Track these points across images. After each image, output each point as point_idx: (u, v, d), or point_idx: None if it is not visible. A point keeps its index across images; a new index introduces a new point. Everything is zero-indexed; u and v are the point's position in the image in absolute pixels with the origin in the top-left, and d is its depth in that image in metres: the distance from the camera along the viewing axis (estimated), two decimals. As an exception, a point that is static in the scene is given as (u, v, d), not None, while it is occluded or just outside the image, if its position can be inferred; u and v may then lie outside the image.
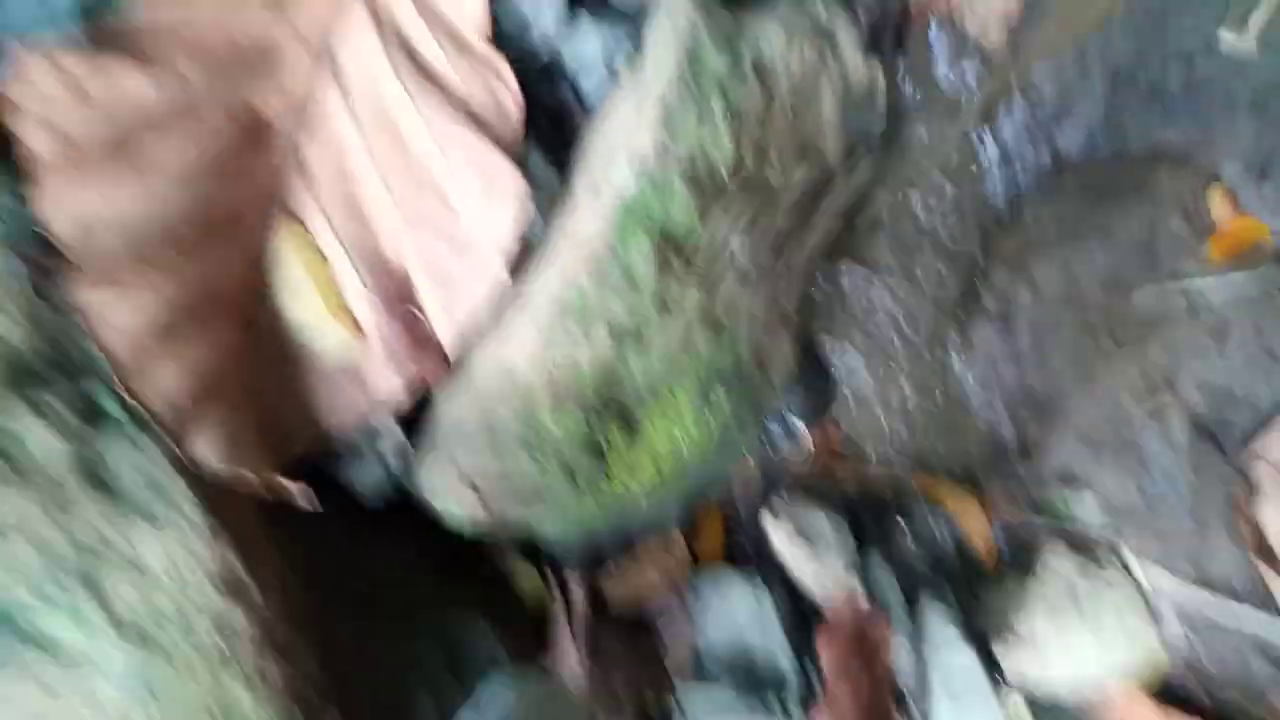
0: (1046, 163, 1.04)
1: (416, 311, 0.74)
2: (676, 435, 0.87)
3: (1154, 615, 0.94)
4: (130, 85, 0.62)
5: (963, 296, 1.07)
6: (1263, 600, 0.90)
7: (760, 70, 0.84)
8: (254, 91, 0.70)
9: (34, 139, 0.60)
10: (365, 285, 0.72)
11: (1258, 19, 0.88)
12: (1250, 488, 0.94)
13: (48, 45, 0.60)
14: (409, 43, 0.75)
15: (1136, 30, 0.96)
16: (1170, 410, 0.98)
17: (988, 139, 1.03)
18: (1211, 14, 0.92)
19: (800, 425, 1.05)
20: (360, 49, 0.74)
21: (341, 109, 0.74)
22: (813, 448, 1.05)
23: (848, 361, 1.08)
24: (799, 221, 0.92)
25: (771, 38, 0.86)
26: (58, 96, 0.60)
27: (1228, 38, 0.90)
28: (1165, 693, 0.93)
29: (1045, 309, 1.04)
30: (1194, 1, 0.93)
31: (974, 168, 1.04)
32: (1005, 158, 1.04)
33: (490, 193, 0.74)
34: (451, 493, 0.76)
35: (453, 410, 0.76)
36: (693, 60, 0.79)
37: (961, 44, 0.99)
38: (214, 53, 0.69)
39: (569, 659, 0.88)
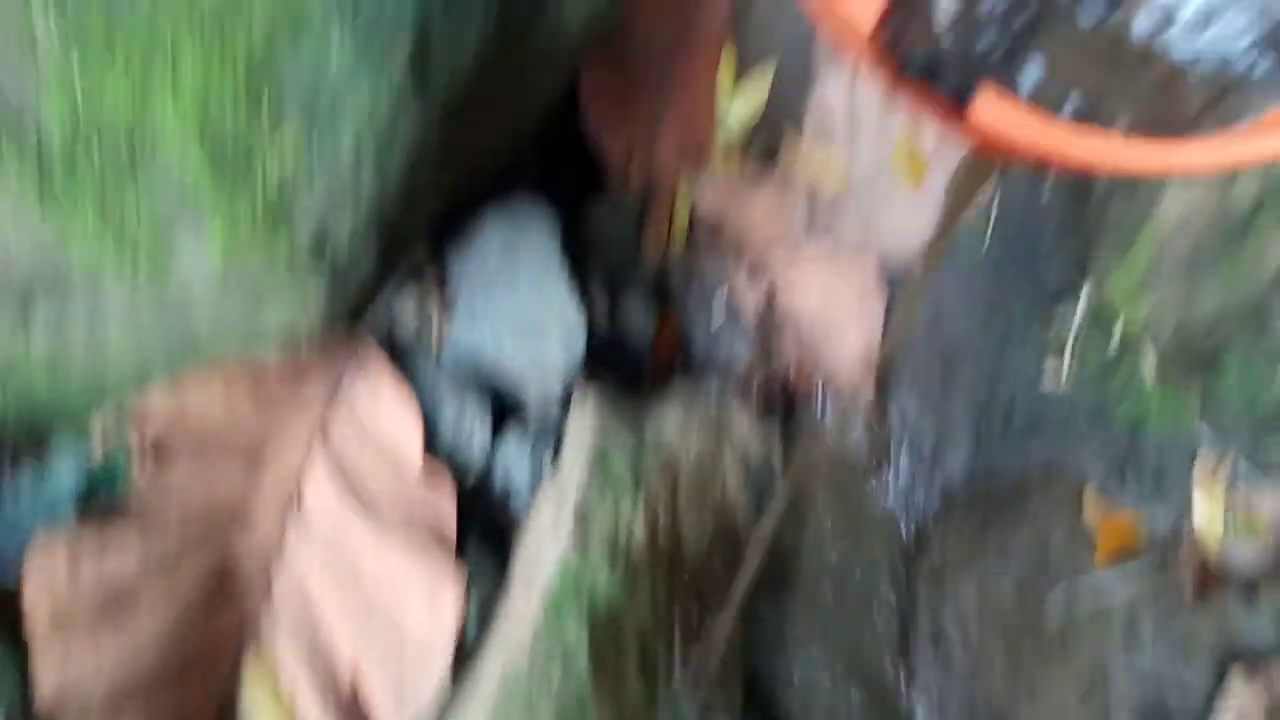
0: (938, 494, 1.17)
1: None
2: (636, 807, 0.89)
3: None
4: (119, 555, 0.74)
5: (895, 629, 1.15)
6: None
7: (663, 457, 0.99)
8: (229, 544, 0.83)
9: (32, 612, 0.71)
10: (321, 706, 0.80)
11: (1066, 356, 1.06)
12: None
13: (52, 529, 0.73)
14: (358, 473, 0.89)
15: (988, 366, 1.14)
16: (1112, 709, 1.02)
17: (881, 481, 1.17)
18: (1043, 346, 1.11)
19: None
20: (319, 486, 0.88)
21: (303, 544, 0.86)
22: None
23: (795, 704, 1.12)
24: (720, 581, 1.02)
25: (670, 426, 1.02)
26: (55, 574, 0.72)
27: (1050, 372, 1.08)
28: None
29: (972, 628, 1.12)
30: (1027, 336, 1.12)
31: (874, 511, 1.17)
32: (900, 496, 1.17)
33: (433, 598, 0.85)
34: None
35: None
36: (603, 458, 0.94)
37: (840, 401, 1.17)
38: (194, 515, 0.82)
39: None
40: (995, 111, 0.34)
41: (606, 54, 1.13)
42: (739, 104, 1.18)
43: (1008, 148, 0.34)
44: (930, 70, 0.33)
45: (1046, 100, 0.36)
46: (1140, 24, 0.38)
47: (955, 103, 0.33)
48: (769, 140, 1.19)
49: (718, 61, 1.19)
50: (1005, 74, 0.36)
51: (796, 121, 1.17)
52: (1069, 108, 0.37)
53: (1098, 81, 0.37)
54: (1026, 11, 0.36)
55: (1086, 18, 0.38)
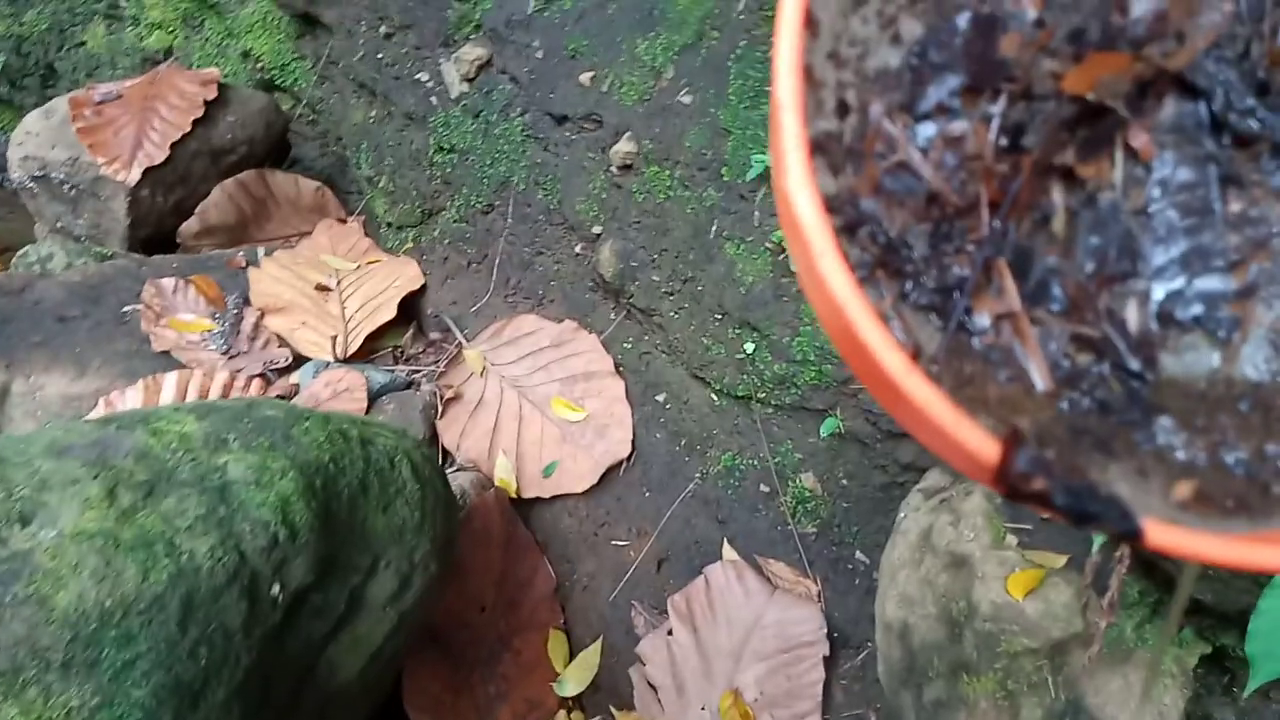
0: None
1: None
2: None
3: None
4: None
5: None
6: None
7: None
8: None
9: None
10: None
11: None
12: None
13: None
14: None
15: None
16: None
17: None
18: None
19: None
20: None
21: None
22: None
23: None
24: None
25: None
26: None
27: None
28: None
29: None
30: None
31: None
32: None
33: None
34: None
35: None
36: None
37: None
38: None
39: None
40: (1170, 536, 0.29)
41: (430, 654, 1.20)
42: (571, 681, 1.22)
43: (1193, 560, 0.30)
44: (1077, 503, 0.29)
45: (1203, 462, 0.32)
46: (1257, 360, 0.33)
47: (1122, 530, 0.29)
48: (602, 712, 1.22)
49: (546, 643, 1.26)
50: (1148, 453, 0.32)
51: (626, 691, 1.20)
52: (1231, 460, 0.32)
53: (1245, 425, 0.32)
54: (1119, 388, 0.33)
55: (1193, 367, 0.33)
